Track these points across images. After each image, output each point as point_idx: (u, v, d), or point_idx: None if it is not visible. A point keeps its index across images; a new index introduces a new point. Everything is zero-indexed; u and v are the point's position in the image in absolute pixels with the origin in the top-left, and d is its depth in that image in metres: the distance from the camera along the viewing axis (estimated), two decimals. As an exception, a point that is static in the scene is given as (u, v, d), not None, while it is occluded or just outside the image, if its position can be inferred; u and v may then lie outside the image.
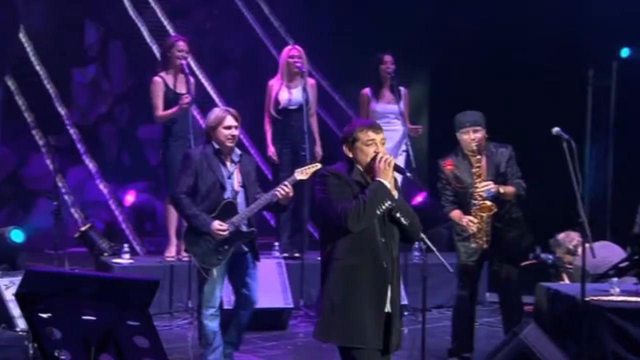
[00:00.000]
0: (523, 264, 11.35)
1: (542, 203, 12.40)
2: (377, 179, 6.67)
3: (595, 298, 9.75)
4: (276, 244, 11.77)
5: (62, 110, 13.87)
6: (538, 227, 11.56)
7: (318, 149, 11.70)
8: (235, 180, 8.92)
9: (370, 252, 6.78)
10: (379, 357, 6.83)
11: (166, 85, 11.37)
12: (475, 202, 9.20)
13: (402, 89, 12.02)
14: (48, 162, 13.42)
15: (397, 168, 6.81)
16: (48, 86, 13.90)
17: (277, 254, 11.57)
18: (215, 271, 8.76)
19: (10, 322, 9.54)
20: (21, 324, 9.42)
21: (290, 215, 11.77)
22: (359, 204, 6.61)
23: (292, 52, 11.74)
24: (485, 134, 9.48)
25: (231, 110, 9.03)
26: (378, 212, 6.68)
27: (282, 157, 11.67)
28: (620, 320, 9.54)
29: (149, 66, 12.69)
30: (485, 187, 9.20)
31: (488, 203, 9.18)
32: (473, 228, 9.24)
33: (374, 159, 6.72)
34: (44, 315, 5.20)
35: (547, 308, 10.19)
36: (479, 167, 9.28)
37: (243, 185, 8.94)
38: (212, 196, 8.77)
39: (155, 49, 13.84)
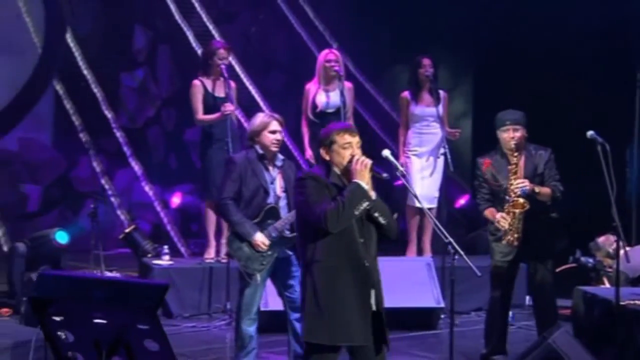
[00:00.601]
0: (562, 267, 11.33)
1: (584, 206, 12.35)
2: (354, 180, 6.75)
3: (632, 302, 9.70)
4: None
5: (109, 114, 13.98)
6: (579, 230, 11.52)
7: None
8: (277, 185, 8.89)
9: (351, 252, 6.87)
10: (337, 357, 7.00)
11: (205, 88, 11.47)
12: (509, 198, 9.16)
13: (441, 92, 11.94)
14: (95, 164, 13.67)
15: (374, 169, 6.83)
16: (95, 90, 13.99)
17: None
18: (259, 276, 8.76)
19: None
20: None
21: None
22: (337, 205, 6.73)
23: (329, 56, 11.67)
24: (525, 133, 9.45)
25: (276, 115, 9.04)
26: (356, 212, 6.78)
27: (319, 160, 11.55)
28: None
29: (195, 70, 12.80)
30: (520, 184, 9.16)
31: (521, 200, 9.10)
32: (504, 225, 9.18)
33: (350, 161, 6.80)
34: (57, 318, 5.25)
35: (584, 312, 10.12)
36: (515, 164, 9.22)
37: (285, 191, 8.90)
38: (256, 201, 8.76)
39: (200, 53, 13.77)
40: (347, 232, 6.84)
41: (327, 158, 6.95)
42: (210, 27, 14.37)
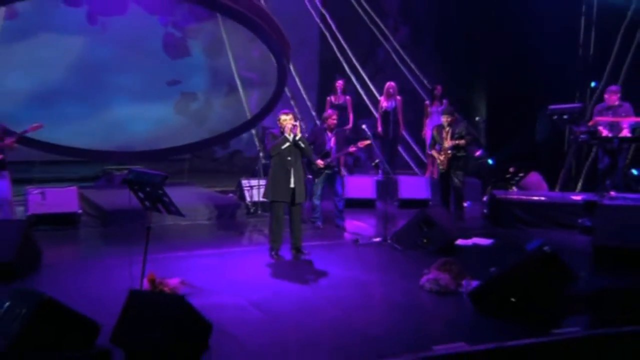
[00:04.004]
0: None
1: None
2: (285, 134, 7.14)
3: (503, 196, 9.50)
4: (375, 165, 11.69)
5: (313, 113, 13.69)
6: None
7: (402, 129, 11.55)
8: (332, 142, 8.91)
9: (283, 162, 7.16)
10: (284, 207, 7.22)
11: (331, 100, 11.69)
12: (446, 147, 9.19)
13: (445, 100, 11.63)
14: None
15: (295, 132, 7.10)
16: (309, 103, 13.76)
17: (378, 174, 11.34)
18: (317, 179, 8.91)
19: (243, 197, 9.99)
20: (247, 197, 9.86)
21: (388, 153, 11.45)
22: (275, 144, 7.11)
23: (389, 85, 11.55)
24: (454, 117, 9.35)
25: (334, 115, 8.95)
26: (282, 147, 7.10)
27: (384, 132, 11.53)
28: (514, 206, 9.33)
29: (359, 97, 13.09)
30: (447, 144, 9.11)
31: (448, 151, 9.11)
32: (439, 159, 9.26)
33: (284, 127, 7.14)
34: (136, 187, 5.58)
35: (490, 202, 9.90)
36: (447, 131, 9.18)
37: (335, 144, 8.93)
38: (320, 148, 8.86)
39: (362, 92, 13.57)
40: (283, 153, 7.14)
41: (280, 124, 7.25)
42: (366, 78, 13.89)
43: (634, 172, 9.68)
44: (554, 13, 12.22)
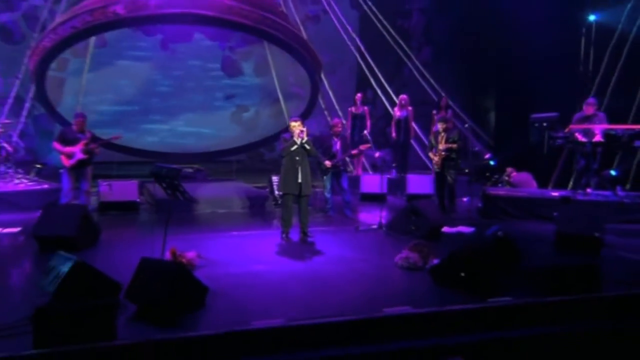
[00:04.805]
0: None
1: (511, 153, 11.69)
2: (293, 138, 7.13)
3: (493, 192, 9.44)
4: (394, 166, 11.74)
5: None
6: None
7: (412, 135, 11.48)
8: (338, 145, 8.98)
9: (292, 161, 7.16)
10: (292, 199, 7.19)
11: (352, 111, 11.72)
12: (441, 148, 9.15)
13: (449, 110, 11.48)
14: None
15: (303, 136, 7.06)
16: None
17: (391, 173, 11.54)
18: (325, 177, 8.96)
19: (272, 191, 10.05)
20: (275, 191, 9.88)
21: (400, 155, 11.47)
22: (285, 146, 7.19)
23: (401, 97, 11.48)
24: (449, 124, 9.36)
25: (339, 124, 8.96)
26: (291, 149, 7.12)
27: (397, 138, 11.45)
28: (502, 201, 9.26)
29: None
30: (442, 147, 9.14)
31: (442, 152, 9.12)
32: (435, 159, 9.21)
33: (293, 132, 7.17)
34: (160, 180, 5.93)
35: (481, 195, 9.83)
36: (442, 136, 9.18)
37: (341, 147, 9.00)
38: (328, 151, 8.94)
39: (387, 104, 13.56)
40: (292, 154, 7.16)
41: (290, 130, 7.26)
42: (392, 93, 13.54)
43: (612, 172, 9.49)
44: (558, 36, 12.08)
